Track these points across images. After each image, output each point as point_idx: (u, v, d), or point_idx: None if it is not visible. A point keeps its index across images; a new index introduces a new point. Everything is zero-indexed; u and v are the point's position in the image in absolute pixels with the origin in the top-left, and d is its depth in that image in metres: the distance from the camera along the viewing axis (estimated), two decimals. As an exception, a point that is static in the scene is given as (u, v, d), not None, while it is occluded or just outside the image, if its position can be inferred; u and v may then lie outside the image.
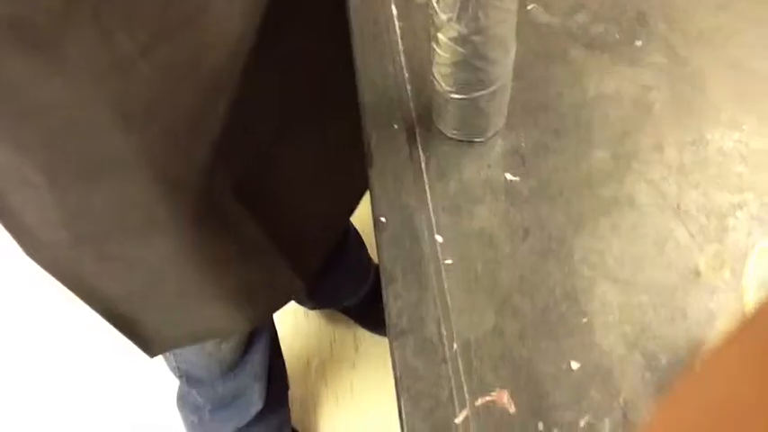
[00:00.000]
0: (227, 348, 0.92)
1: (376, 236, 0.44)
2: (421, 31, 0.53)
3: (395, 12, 0.55)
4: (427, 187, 0.45)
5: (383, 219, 0.44)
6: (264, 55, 0.59)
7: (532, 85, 0.50)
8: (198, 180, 0.60)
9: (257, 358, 0.95)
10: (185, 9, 0.51)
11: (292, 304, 1.25)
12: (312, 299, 1.22)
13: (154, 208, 0.60)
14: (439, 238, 0.43)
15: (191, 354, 0.90)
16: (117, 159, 0.56)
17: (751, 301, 0.30)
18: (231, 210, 0.65)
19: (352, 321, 1.27)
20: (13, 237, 0.65)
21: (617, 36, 0.52)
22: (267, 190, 0.67)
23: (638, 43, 0.51)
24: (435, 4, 0.40)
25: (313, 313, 1.30)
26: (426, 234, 0.43)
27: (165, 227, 0.62)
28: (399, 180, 0.45)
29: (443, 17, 0.40)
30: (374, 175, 0.46)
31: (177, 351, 0.91)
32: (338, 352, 1.27)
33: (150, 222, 0.62)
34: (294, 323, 1.29)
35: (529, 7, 0.54)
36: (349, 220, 1.15)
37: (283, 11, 0.60)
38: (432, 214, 0.44)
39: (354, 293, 1.19)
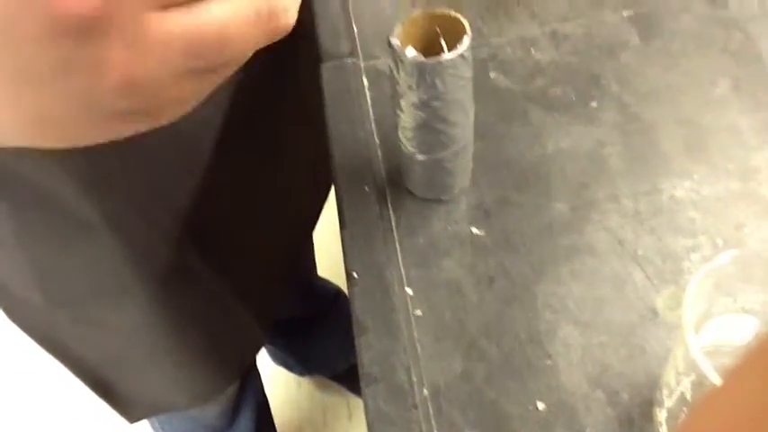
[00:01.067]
0: (212, 415, 0.92)
1: (348, 289, 0.46)
2: (389, 99, 0.57)
3: (366, 82, 0.58)
4: (397, 243, 0.48)
5: (355, 274, 0.46)
6: (231, 132, 0.61)
7: (495, 145, 0.53)
8: (164, 244, 0.62)
9: (245, 426, 0.95)
10: None
11: (284, 374, 1.25)
12: (301, 364, 1.22)
13: (123, 273, 0.61)
14: (409, 291, 0.45)
15: (175, 420, 0.90)
16: (85, 226, 0.57)
17: (691, 333, 0.32)
18: (196, 269, 0.66)
19: (344, 389, 1.27)
20: None
21: (573, 98, 0.55)
22: (228, 243, 0.69)
23: (593, 104, 0.54)
24: (396, 73, 0.43)
25: (305, 382, 1.30)
26: (397, 287, 0.45)
27: (134, 291, 0.63)
28: (370, 237, 0.48)
29: (404, 85, 0.43)
30: (346, 233, 0.48)
31: (161, 417, 0.91)
32: (331, 421, 1.26)
33: (120, 287, 0.63)
34: (286, 392, 1.29)
35: (491, 75, 0.58)
36: (339, 288, 1.18)
37: (255, 97, 0.63)
38: (402, 268, 0.47)
39: (344, 358, 1.19)
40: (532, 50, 0.59)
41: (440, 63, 0.42)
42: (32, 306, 0.64)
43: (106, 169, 0.54)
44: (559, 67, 0.57)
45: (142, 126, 0.23)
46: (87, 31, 0.19)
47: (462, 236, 0.48)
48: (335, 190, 0.51)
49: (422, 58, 0.42)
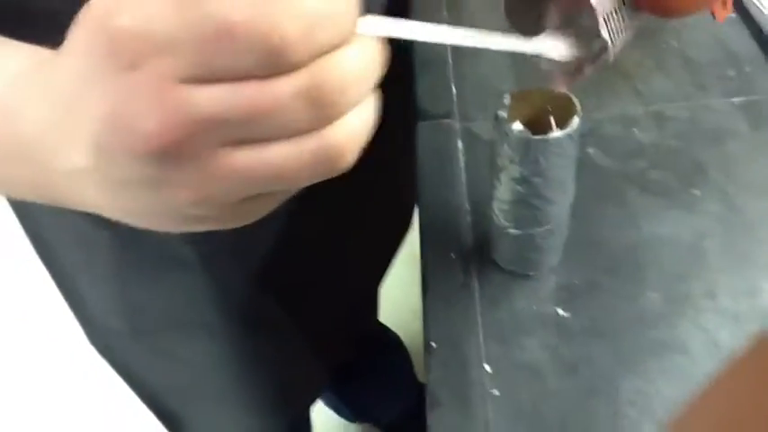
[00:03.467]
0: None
1: (425, 358, 0.45)
2: (483, 165, 0.56)
3: (460, 146, 0.58)
4: (479, 316, 0.47)
5: (433, 343, 0.45)
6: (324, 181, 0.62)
7: (588, 224, 0.51)
8: (248, 287, 0.64)
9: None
10: None
11: (333, 417, 1.24)
12: (351, 409, 1.21)
13: (205, 308, 0.64)
14: (487, 367, 0.44)
15: None
16: (179, 263, 0.59)
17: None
18: (273, 313, 0.68)
19: (394, 439, 1.25)
20: (76, 317, 0.68)
21: (674, 183, 0.53)
22: (306, 291, 0.70)
23: (695, 192, 0.52)
24: (499, 146, 0.43)
25: (353, 428, 1.29)
26: (474, 362, 0.44)
27: (212, 327, 0.65)
28: (452, 307, 0.47)
29: (506, 158, 0.43)
30: (428, 300, 0.47)
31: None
32: (376, 470, 1.24)
33: (200, 322, 0.65)
34: (335, 436, 1.28)
35: (589, 150, 0.56)
36: (398, 337, 1.16)
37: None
38: (482, 343, 0.45)
39: (395, 408, 1.17)
40: (635, 130, 0.57)
41: (546, 141, 0.41)
42: (113, 332, 0.66)
43: None
44: (661, 150, 0.56)
45: (213, 227, 0.28)
46: (167, 156, 0.23)
47: (547, 316, 0.46)
48: (421, 254, 0.50)
49: (529, 135, 0.41)
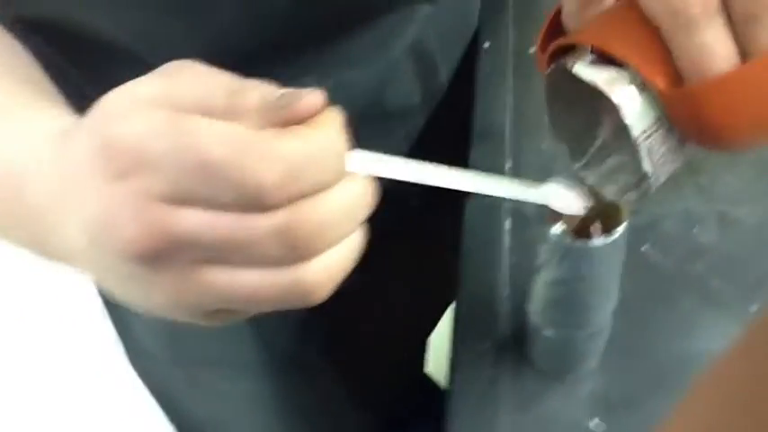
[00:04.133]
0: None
1: (443, 456, 0.43)
2: (530, 249, 0.54)
3: (507, 227, 0.56)
4: (503, 418, 0.44)
5: (453, 443, 0.43)
6: (376, 238, 0.62)
7: (635, 327, 0.48)
8: (291, 334, 0.65)
9: None
10: None
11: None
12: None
13: (249, 349, 0.65)
14: (506, 477, 0.42)
15: None
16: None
17: None
18: (314, 362, 0.68)
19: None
20: (121, 340, 0.70)
21: (732, 294, 0.50)
22: (352, 345, 0.70)
23: (753, 308, 0.49)
24: (539, 245, 0.41)
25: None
26: (494, 470, 0.42)
27: (254, 368, 0.66)
28: (478, 404, 0.44)
29: (544, 259, 0.40)
30: (453, 393, 0.45)
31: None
32: None
33: (243, 361, 0.66)
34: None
35: (643, 248, 0.53)
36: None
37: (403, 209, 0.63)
38: (504, 448, 0.43)
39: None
40: (695, 229, 0.54)
41: (587, 247, 0.39)
42: (156, 360, 0.67)
43: None
44: (723, 255, 0.52)
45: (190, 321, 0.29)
46: (145, 261, 0.24)
47: (576, 428, 0.44)
48: (452, 341, 0.48)
49: (569, 239, 0.39)
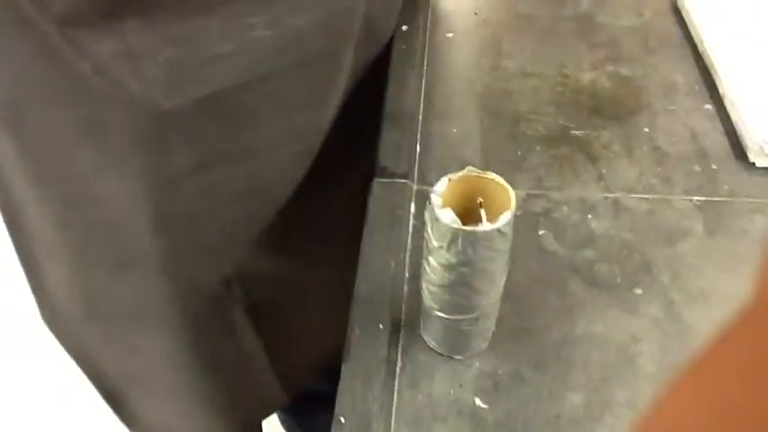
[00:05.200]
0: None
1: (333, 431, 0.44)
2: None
3: (413, 209, 0.57)
4: (395, 394, 0.46)
5: (342, 418, 0.44)
6: (307, 203, 0.63)
7: (524, 311, 0.51)
8: (214, 291, 0.64)
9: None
10: (248, 145, 0.56)
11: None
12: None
13: (167, 307, 0.64)
14: (392, 452, 0.43)
15: None
16: (144, 257, 0.60)
17: None
18: (238, 323, 0.68)
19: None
20: (35, 298, 0.69)
21: (619, 279, 0.52)
22: (277, 311, 0.70)
23: (638, 291, 0.51)
24: (430, 230, 0.42)
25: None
26: (380, 445, 0.43)
27: (173, 325, 0.65)
28: (369, 381, 0.46)
29: (435, 243, 0.42)
30: (347, 369, 0.46)
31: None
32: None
33: (160, 319, 0.65)
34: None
35: (540, 232, 0.55)
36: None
37: (340, 174, 0.64)
38: (392, 424, 0.44)
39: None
40: (589, 216, 0.57)
41: (474, 233, 0.40)
42: (71, 317, 0.67)
43: (187, 210, 0.57)
44: (613, 242, 0.55)
45: None
46: None
47: (464, 405, 0.45)
48: (350, 320, 0.49)
49: (457, 225, 0.40)
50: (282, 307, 0.70)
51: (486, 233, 0.40)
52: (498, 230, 0.40)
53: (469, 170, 0.43)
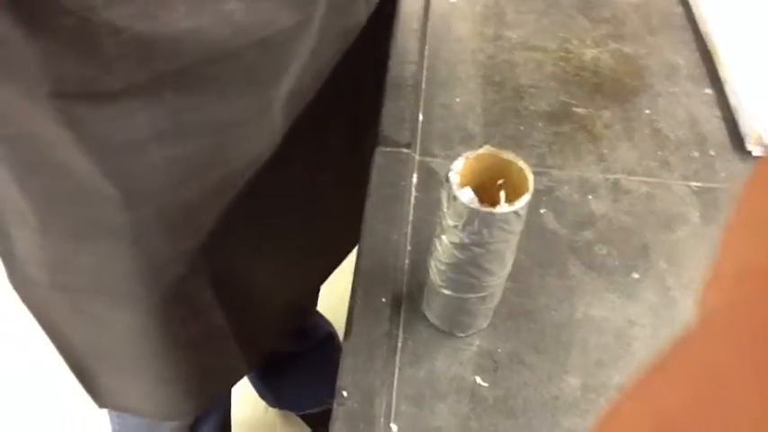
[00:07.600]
0: (171, 426, 0.91)
1: (334, 405, 0.44)
2: (435, 206, 0.55)
3: (415, 180, 0.57)
4: (396, 369, 0.46)
5: (344, 392, 0.44)
6: (274, 178, 0.62)
7: (524, 291, 0.51)
8: (179, 266, 0.64)
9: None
10: (214, 118, 0.54)
11: (254, 396, 1.23)
12: (273, 396, 1.21)
13: (131, 281, 0.63)
14: (394, 427, 0.43)
15: (134, 418, 0.90)
16: (108, 229, 0.59)
17: None
18: (203, 298, 0.68)
19: (308, 429, 1.25)
20: (4, 263, 0.67)
21: (617, 263, 0.53)
22: (240, 282, 0.70)
23: (635, 275, 0.52)
24: (445, 208, 0.41)
25: (273, 410, 1.28)
26: (382, 420, 0.43)
27: (138, 299, 0.64)
28: (371, 356, 0.46)
29: (450, 222, 0.41)
30: (349, 344, 0.46)
31: (123, 415, 0.91)
32: (286, 456, 1.24)
33: (126, 293, 0.64)
34: (252, 414, 1.27)
35: (541, 210, 0.55)
36: (332, 329, 1.16)
37: (306, 148, 0.63)
38: (393, 399, 0.44)
39: (317, 400, 1.17)
40: (590, 197, 0.57)
41: (492, 214, 0.40)
42: (39, 285, 0.66)
43: (151, 181, 0.56)
44: (612, 225, 0.55)
45: None
46: None
47: (464, 382, 0.46)
48: (351, 293, 0.49)
49: (476, 205, 0.39)
50: (239, 274, 0.69)
51: (503, 215, 0.40)
52: (515, 212, 0.40)
53: (487, 149, 0.42)
